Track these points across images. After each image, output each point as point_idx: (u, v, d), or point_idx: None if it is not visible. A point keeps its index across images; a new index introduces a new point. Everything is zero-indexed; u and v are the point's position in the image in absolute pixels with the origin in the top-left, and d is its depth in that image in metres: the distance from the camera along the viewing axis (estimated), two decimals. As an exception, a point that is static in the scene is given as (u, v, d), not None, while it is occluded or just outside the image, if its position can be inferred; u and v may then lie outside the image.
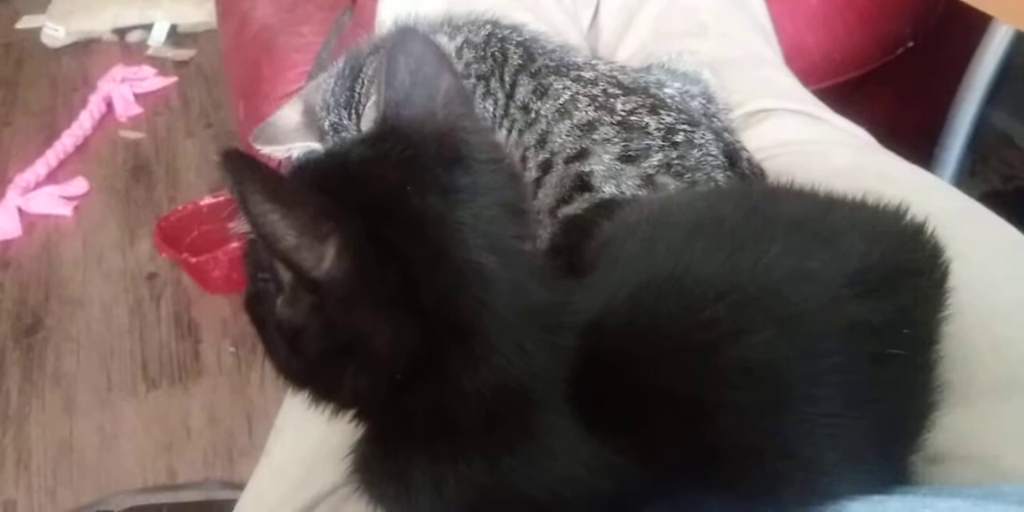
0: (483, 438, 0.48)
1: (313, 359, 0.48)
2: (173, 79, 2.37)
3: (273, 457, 0.70)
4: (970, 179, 1.46)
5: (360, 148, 0.51)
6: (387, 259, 0.45)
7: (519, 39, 0.85)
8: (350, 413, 0.52)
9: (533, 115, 0.80)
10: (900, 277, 0.53)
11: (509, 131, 0.81)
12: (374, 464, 0.52)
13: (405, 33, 0.52)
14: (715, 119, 0.83)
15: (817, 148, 0.89)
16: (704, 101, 0.84)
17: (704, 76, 0.88)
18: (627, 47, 1.07)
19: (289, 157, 0.90)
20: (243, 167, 0.41)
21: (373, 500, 0.52)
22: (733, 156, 0.80)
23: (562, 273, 0.55)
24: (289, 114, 0.92)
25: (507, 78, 0.82)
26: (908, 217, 0.58)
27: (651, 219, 0.58)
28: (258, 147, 0.89)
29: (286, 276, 0.45)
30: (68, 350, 1.67)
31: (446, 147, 0.50)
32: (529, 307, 0.48)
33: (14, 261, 1.87)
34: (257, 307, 0.50)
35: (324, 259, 0.44)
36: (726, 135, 0.81)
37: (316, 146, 0.89)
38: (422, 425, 0.49)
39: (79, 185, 2.02)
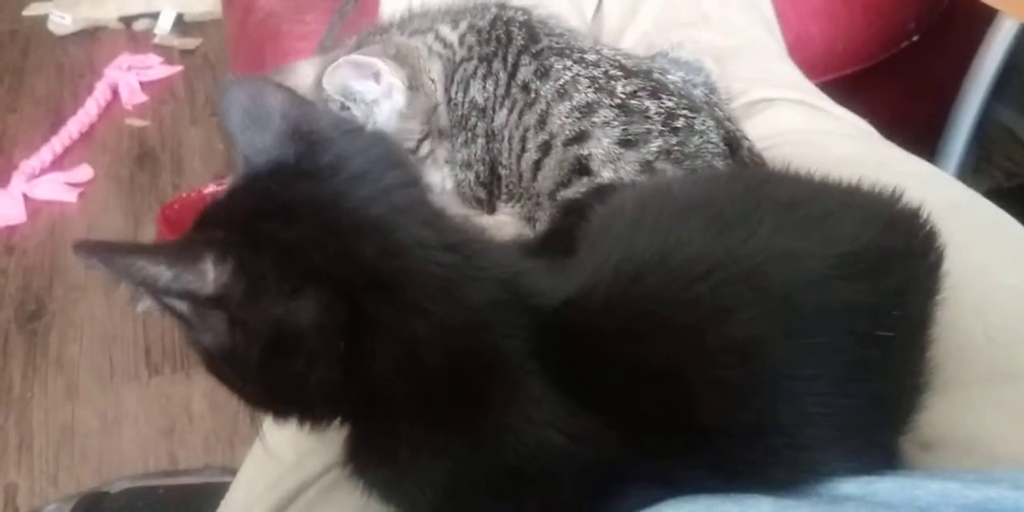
0: (458, 410, 0.48)
1: (263, 373, 0.48)
2: (179, 68, 2.36)
3: (267, 440, 0.71)
4: (973, 175, 1.46)
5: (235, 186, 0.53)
6: (264, 249, 0.46)
7: (523, 20, 0.86)
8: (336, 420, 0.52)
9: (533, 95, 0.80)
10: (892, 260, 0.53)
11: (510, 111, 0.81)
12: (363, 452, 0.52)
13: (224, 87, 0.54)
14: (716, 107, 0.83)
15: (818, 138, 0.89)
16: (706, 90, 0.85)
17: (706, 65, 0.88)
18: (630, 37, 1.07)
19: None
20: (97, 245, 0.45)
21: (367, 487, 0.53)
22: (734, 144, 0.80)
23: (560, 256, 0.56)
24: (307, 71, 0.91)
25: (510, 58, 0.82)
26: (903, 202, 0.58)
27: (639, 201, 0.58)
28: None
29: (184, 308, 0.47)
30: (71, 336, 1.67)
31: (301, 141, 0.51)
32: (454, 263, 0.49)
33: (19, 247, 1.88)
34: (214, 364, 0.50)
35: (207, 274, 0.45)
36: (727, 123, 0.81)
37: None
38: (396, 403, 0.49)
39: (84, 172, 2.01)
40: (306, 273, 0.46)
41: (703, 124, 0.78)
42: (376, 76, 0.84)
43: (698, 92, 0.83)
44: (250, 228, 0.48)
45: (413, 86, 0.86)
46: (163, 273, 0.44)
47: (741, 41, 1.05)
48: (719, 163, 0.77)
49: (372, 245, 0.47)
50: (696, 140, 0.76)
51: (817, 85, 1.01)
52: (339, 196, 0.49)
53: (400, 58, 0.85)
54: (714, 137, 0.78)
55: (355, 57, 0.84)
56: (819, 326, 0.48)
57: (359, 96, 0.85)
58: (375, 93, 0.84)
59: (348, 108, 0.86)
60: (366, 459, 0.52)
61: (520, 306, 0.49)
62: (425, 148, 0.87)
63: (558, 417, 0.47)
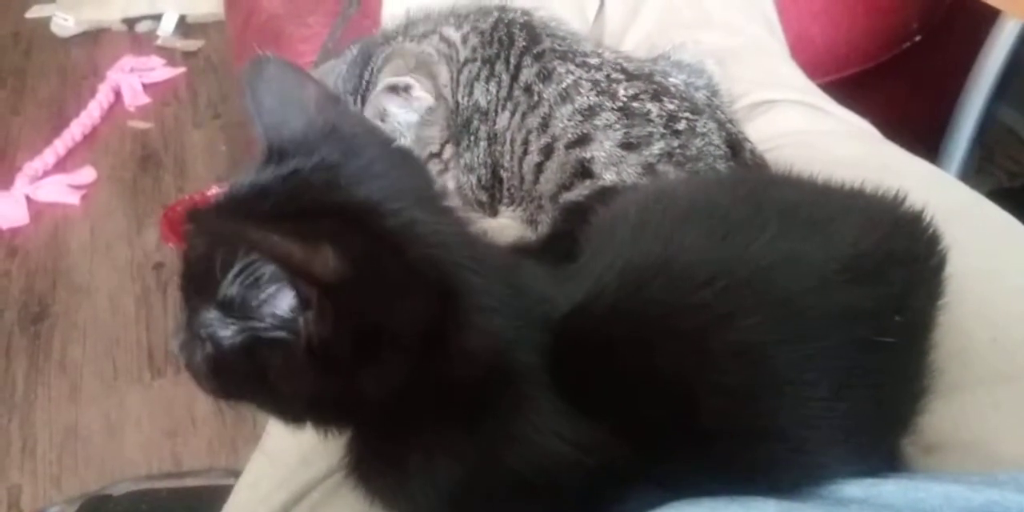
0: (467, 418, 0.48)
1: (343, 369, 0.47)
2: (182, 70, 2.37)
3: (270, 442, 0.71)
4: (976, 176, 1.46)
5: (262, 174, 0.51)
6: (369, 248, 0.45)
7: (525, 21, 0.86)
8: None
9: (536, 98, 0.80)
10: (894, 263, 0.53)
11: (512, 113, 0.81)
12: (369, 459, 0.52)
13: (258, 62, 0.53)
14: (718, 110, 0.83)
15: (820, 139, 0.89)
16: (708, 93, 0.85)
17: (708, 67, 0.88)
18: (632, 38, 1.07)
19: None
20: (225, 217, 0.45)
21: (370, 494, 0.52)
22: (736, 146, 0.80)
23: (562, 259, 0.56)
24: None
25: (512, 60, 0.83)
26: (906, 205, 0.58)
27: (643, 205, 0.58)
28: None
29: (312, 293, 0.44)
30: (74, 338, 1.67)
31: (333, 143, 0.51)
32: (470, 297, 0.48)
33: (22, 249, 1.88)
34: (242, 363, 0.48)
35: (328, 262, 0.43)
36: (729, 126, 0.81)
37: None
38: (408, 412, 0.49)
39: (87, 174, 2.02)
40: (413, 278, 0.46)
41: (705, 126, 0.78)
42: (408, 92, 0.84)
43: (700, 94, 0.83)
44: (344, 225, 0.46)
45: (437, 96, 0.86)
46: (295, 253, 0.42)
47: (743, 42, 1.05)
48: (721, 165, 0.77)
49: (445, 257, 0.47)
50: (698, 142, 0.76)
51: (819, 86, 1.01)
52: (378, 205, 0.48)
53: (422, 69, 0.86)
54: (716, 139, 0.78)
55: (392, 80, 0.83)
56: (822, 330, 0.48)
57: (395, 117, 0.85)
58: (409, 109, 0.85)
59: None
60: (369, 466, 0.52)
61: (533, 315, 0.49)
62: (448, 151, 0.88)
63: (563, 426, 0.47)
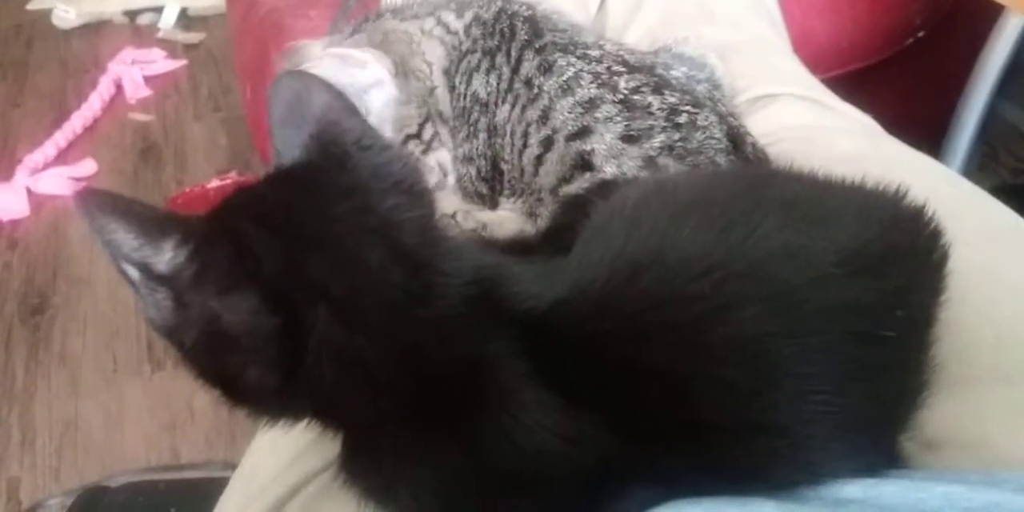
0: (443, 418, 0.48)
1: (202, 359, 0.50)
2: (183, 62, 2.37)
3: (266, 435, 0.71)
4: (979, 172, 1.45)
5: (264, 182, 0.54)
6: (228, 242, 0.48)
7: (528, 15, 0.85)
8: (314, 423, 0.53)
9: (536, 90, 0.80)
10: (895, 258, 0.52)
11: (512, 106, 0.81)
12: (355, 459, 0.53)
13: (276, 77, 0.56)
14: (720, 103, 0.82)
15: (821, 134, 0.89)
16: (710, 86, 0.84)
17: (710, 61, 0.88)
18: (634, 32, 1.07)
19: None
20: (88, 195, 0.47)
21: (362, 495, 0.53)
22: (737, 140, 0.79)
23: (560, 253, 0.55)
24: (315, 52, 0.91)
25: (513, 53, 0.82)
26: (907, 200, 0.58)
27: (639, 199, 0.58)
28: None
29: (135, 274, 0.48)
30: (74, 330, 1.68)
31: (320, 147, 0.53)
32: (426, 284, 0.49)
33: (22, 241, 1.88)
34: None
35: (164, 253, 0.47)
36: (730, 119, 0.81)
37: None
38: (384, 412, 0.49)
39: (88, 166, 2.03)
40: (248, 275, 0.48)
41: (706, 120, 0.77)
42: (362, 66, 0.84)
43: (701, 88, 0.82)
44: (227, 221, 0.50)
45: (402, 72, 0.86)
46: (128, 241, 0.47)
47: (746, 37, 1.05)
48: (722, 159, 0.76)
49: (323, 261, 0.48)
50: (699, 136, 0.76)
51: (822, 81, 1.01)
52: (319, 209, 0.50)
53: (386, 45, 0.86)
54: (717, 133, 0.77)
55: (337, 50, 0.84)
56: (820, 324, 0.48)
57: (347, 88, 0.84)
58: (363, 84, 0.84)
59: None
60: (357, 467, 0.52)
61: (500, 310, 0.49)
62: (428, 131, 0.87)
63: (551, 419, 0.47)
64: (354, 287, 0.48)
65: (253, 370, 0.49)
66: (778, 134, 0.87)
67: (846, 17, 1.27)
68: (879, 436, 0.51)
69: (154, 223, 0.47)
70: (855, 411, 0.48)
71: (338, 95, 0.55)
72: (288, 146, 0.54)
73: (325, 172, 0.52)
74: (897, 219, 0.56)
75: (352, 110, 0.55)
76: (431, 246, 0.51)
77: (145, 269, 0.48)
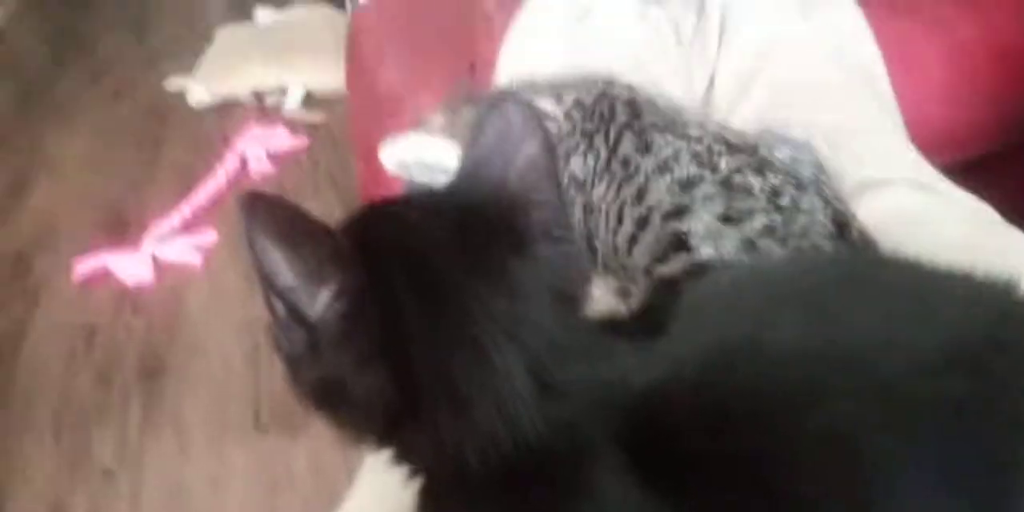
0: (525, 496, 0.48)
1: (310, 388, 0.50)
2: (305, 141, 2.47)
3: (353, 502, 0.72)
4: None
5: (425, 200, 0.54)
6: (383, 315, 0.48)
7: (628, 97, 0.87)
8: (402, 465, 0.53)
9: (633, 169, 0.80)
10: (1002, 352, 0.49)
11: (608, 185, 0.81)
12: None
13: (504, 96, 0.54)
14: (825, 186, 0.81)
15: (932, 220, 0.87)
16: (815, 169, 0.83)
17: (816, 143, 0.87)
18: (742, 114, 1.07)
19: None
20: (257, 206, 0.46)
21: None
22: (843, 225, 0.77)
23: (652, 335, 0.55)
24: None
25: (612, 134, 0.83)
26: (1019, 291, 0.55)
27: (736, 283, 0.57)
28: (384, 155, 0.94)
29: (281, 308, 0.48)
30: (186, 393, 1.72)
31: (506, 219, 0.52)
32: (544, 385, 0.49)
33: (145, 306, 1.97)
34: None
35: (317, 302, 0.47)
36: (835, 203, 0.79)
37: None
38: (454, 479, 0.49)
39: (210, 236, 2.11)
40: (389, 351, 0.48)
41: (810, 203, 0.76)
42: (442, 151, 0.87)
43: (806, 170, 0.81)
44: (386, 278, 0.49)
45: None
46: (286, 277, 0.47)
47: (856, 120, 1.04)
48: (827, 244, 0.75)
49: (460, 361, 0.48)
50: (802, 219, 0.75)
51: (938, 167, 0.98)
52: (479, 299, 0.49)
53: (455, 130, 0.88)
54: (821, 217, 0.76)
55: (408, 134, 0.87)
56: (918, 419, 0.46)
57: (419, 172, 0.88)
58: (441, 167, 0.88)
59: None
60: None
61: (607, 397, 0.49)
62: None
63: (631, 506, 0.46)
64: (479, 390, 0.48)
65: (359, 415, 0.50)
66: (886, 220, 0.85)
67: (964, 105, 1.24)
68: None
69: (316, 264, 0.47)
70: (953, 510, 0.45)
71: (549, 150, 0.53)
72: (468, 176, 0.53)
73: (500, 249, 0.51)
74: (1007, 313, 0.53)
75: (554, 175, 0.53)
76: (563, 362, 0.50)
77: (292, 308, 0.48)
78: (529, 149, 0.52)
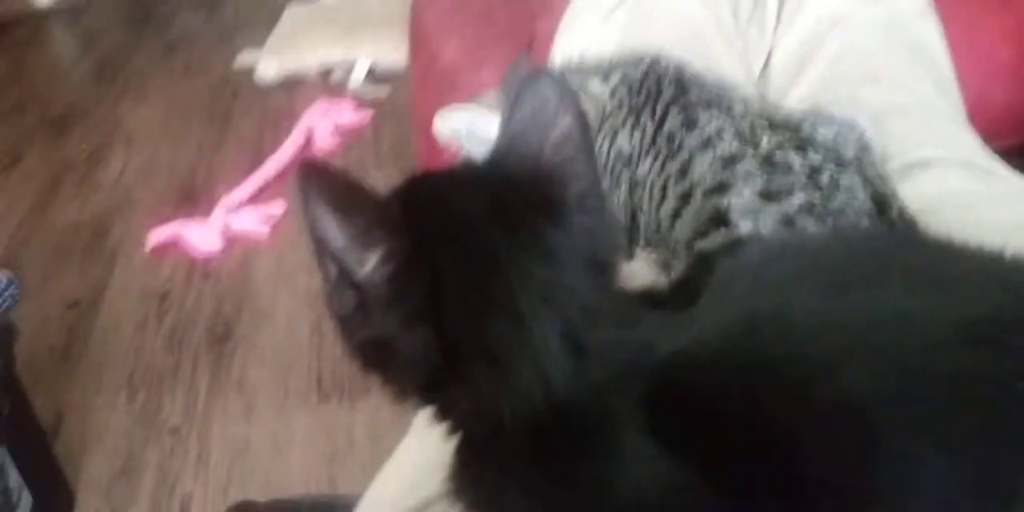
0: (553, 454, 0.51)
1: (359, 346, 0.54)
2: (369, 115, 2.51)
3: (397, 457, 0.75)
4: None
5: (468, 171, 0.57)
6: (426, 278, 0.51)
7: (675, 75, 0.88)
8: (443, 421, 0.56)
9: (677, 145, 0.81)
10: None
11: (654, 160, 0.83)
12: (463, 472, 0.55)
13: (537, 72, 0.57)
14: (868, 165, 0.81)
15: (982, 202, 0.86)
16: (858, 147, 0.83)
17: (861, 122, 0.87)
18: (796, 94, 1.07)
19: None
20: (311, 174, 0.49)
21: (466, 507, 0.55)
22: (883, 204, 0.78)
23: (682, 304, 0.57)
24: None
25: (658, 110, 0.84)
26: None
27: (765, 257, 0.59)
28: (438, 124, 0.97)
29: (333, 271, 0.52)
30: (253, 359, 1.78)
31: (543, 191, 0.54)
32: (576, 347, 0.51)
33: (214, 274, 2.03)
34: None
35: (366, 264, 0.50)
36: (877, 182, 0.79)
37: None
38: (489, 435, 0.52)
39: (278, 206, 2.15)
40: (433, 313, 0.51)
41: (850, 181, 0.76)
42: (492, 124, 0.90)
43: (849, 149, 0.81)
44: (432, 247, 0.52)
45: None
46: (337, 240, 0.50)
47: (909, 100, 1.02)
48: (865, 222, 0.75)
49: (497, 323, 0.51)
50: (841, 197, 0.75)
51: (997, 150, 0.96)
52: (517, 267, 0.52)
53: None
54: (861, 195, 0.76)
55: (463, 105, 0.90)
56: (930, 392, 0.47)
57: (470, 143, 0.91)
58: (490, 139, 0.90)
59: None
60: (465, 478, 0.55)
61: (633, 361, 0.51)
62: None
63: (656, 471, 0.48)
64: (515, 350, 0.51)
65: (404, 372, 0.54)
66: (933, 200, 0.84)
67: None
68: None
69: (365, 229, 0.50)
70: (962, 484, 0.46)
71: (583, 126, 0.55)
72: (505, 151, 0.55)
73: (537, 219, 0.53)
74: None
75: (589, 150, 0.56)
76: (595, 327, 0.52)
77: (343, 270, 0.51)
78: (563, 124, 0.54)
